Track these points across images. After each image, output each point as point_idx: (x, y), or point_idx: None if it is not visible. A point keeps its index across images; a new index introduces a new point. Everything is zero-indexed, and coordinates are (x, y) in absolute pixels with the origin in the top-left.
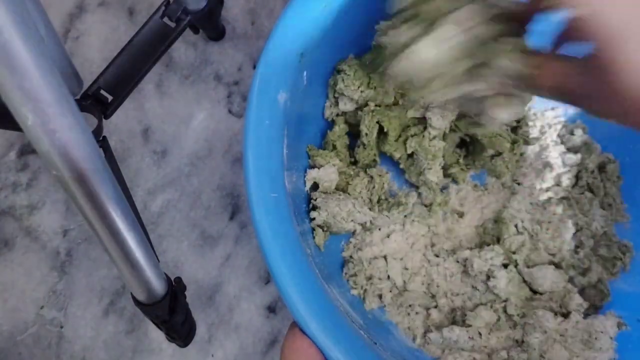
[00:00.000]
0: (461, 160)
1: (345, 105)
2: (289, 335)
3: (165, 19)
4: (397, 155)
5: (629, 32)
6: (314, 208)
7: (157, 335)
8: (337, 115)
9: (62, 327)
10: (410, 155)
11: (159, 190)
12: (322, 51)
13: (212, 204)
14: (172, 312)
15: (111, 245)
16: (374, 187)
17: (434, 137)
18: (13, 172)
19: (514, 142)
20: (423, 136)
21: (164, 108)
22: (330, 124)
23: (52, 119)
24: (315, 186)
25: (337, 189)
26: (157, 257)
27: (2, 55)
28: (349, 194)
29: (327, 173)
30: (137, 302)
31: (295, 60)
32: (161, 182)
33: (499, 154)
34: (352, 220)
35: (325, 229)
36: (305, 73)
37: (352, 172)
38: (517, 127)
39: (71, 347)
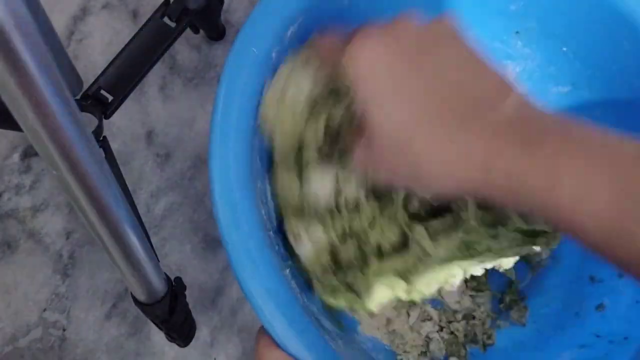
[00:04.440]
0: None
1: None
2: (261, 344)
3: (166, 19)
4: None
5: (378, 101)
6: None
7: (159, 338)
8: None
9: (64, 330)
10: None
11: (162, 193)
12: None
13: None
14: (172, 312)
15: (111, 245)
16: None
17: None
18: (16, 174)
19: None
20: None
21: (168, 111)
22: None
23: (52, 119)
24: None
25: None
26: (157, 257)
27: (2, 55)
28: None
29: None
30: (137, 302)
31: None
32: (164, 185)
33: None
34: None
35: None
36: None
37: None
38: None
39: (74, 350)
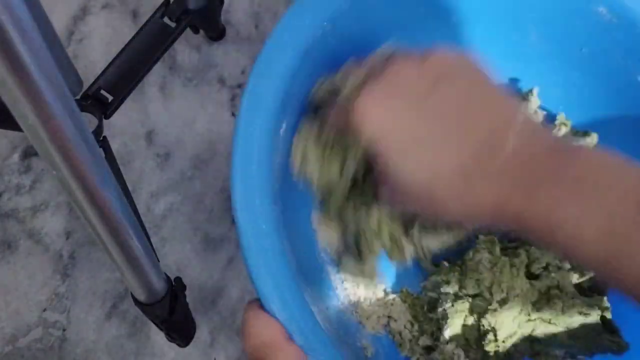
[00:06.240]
0: None
1: None
2: (250, 310)
3: (166, 19)
4: None
5: (394, 158)
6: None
7: (159, 338)
8: None
9: (64, 330)
10: None
11: (162, 193)
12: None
13: (215, 207)
14: (172, 312)
15: (111, 245)
16: None
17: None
18: (16, 174)
19: None
20: None
21: (168, 111)
22: None
23: (52, 119)
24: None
25: None
26: (157, 257)
27: (2, 55)
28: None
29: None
30: (137, 302)
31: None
32: (164, 185)
33: None
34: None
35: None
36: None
37: None
38: None
39: (73, 350)
